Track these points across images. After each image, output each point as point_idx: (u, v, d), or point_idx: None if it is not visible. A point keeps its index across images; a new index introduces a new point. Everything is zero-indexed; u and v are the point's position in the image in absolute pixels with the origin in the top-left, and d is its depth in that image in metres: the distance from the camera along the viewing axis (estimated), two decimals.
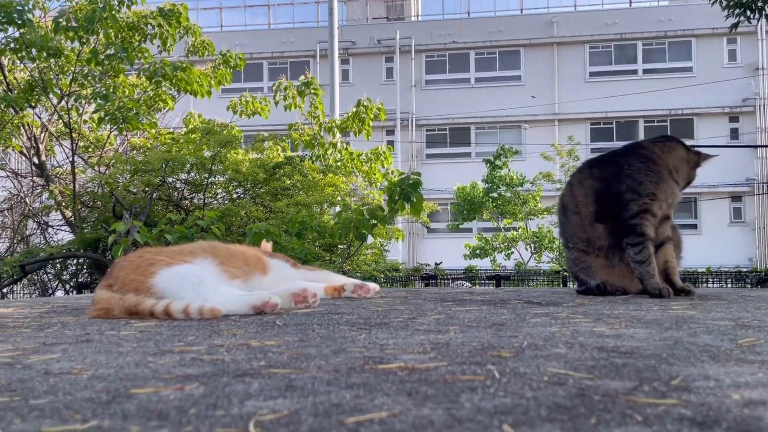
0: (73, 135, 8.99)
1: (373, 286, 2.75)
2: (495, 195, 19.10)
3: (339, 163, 10.61)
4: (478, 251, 18.50)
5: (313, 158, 10.14)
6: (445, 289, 2.81)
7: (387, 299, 2.64)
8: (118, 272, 2.03)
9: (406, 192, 6.29)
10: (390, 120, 24.99)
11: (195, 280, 1.95)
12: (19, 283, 8.18)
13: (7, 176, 9.41)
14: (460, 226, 20.52)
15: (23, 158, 9.73)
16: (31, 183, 9.52)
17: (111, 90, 8.33)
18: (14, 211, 9.14)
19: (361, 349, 1.37)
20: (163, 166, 7.75)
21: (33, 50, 8.13)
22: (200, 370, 1.19)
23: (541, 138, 22.88)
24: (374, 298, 2.68)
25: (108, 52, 8.25)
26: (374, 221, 6.57)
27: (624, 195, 2.48)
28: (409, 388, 1.02)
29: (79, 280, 7.48)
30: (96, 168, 8.97)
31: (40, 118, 9.20)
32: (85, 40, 8.22)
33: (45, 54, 8.12)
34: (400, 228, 10.75)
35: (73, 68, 8.62)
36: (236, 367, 1.20)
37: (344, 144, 11.07)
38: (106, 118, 8.30)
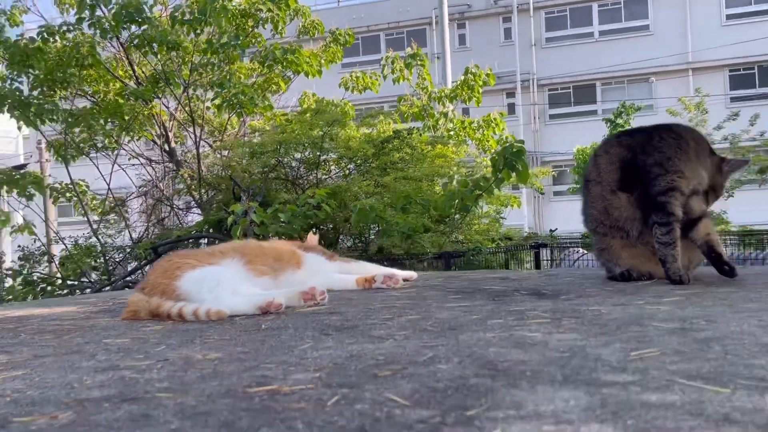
0: (198, 122, 9.55)
1: (405, 274, 2.75)
2: None
3: (452, 133, 10.59)
4: None
5: (424, 130, 10.18)
6: (482, 275, 2.60)
7: (406, 291, 2.59)
8: (150, 275, 2.18)
9: (509, 161, 6.20)
10: (510, 82, 24.44)
11: (212, 282, 2.06)
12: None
13: (141, 164, 10.15)
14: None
15: (156, 146, 10.43)
16: (164, 169, 10.22)
17: (226, 77, 8.75)
18: (149, 196, 9.88)
19: (270, 366, 1.39)
20: (278, 147, 8.07)
21: (155, 45, 8.69)
22: (101, 392, 1.24)
23: (672, 91, 21.48)
24: (401, 287, 2.66)
25: (222, 40, 8.64)
26: (479, 192, 6.54)
27: (652, 168, 2.33)
28: (232, 417, 1.03)
29: None
30: (218, 152, 9.49)
31: (168, 108, 9.81)
32: (200, 31, 8.66)
33: (165, 48, 8.64)
34: (516, 195, 10.57)
35: (191, 59, 9.12)
36: (131, 391, 1.24)
37: (455, 113, 11.01)
38: (224, 104, 8.76)
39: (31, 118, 8.53)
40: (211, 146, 10.07)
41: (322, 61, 10.36)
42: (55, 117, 8.91)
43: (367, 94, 11.59)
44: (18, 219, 10.14)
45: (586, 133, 20.72)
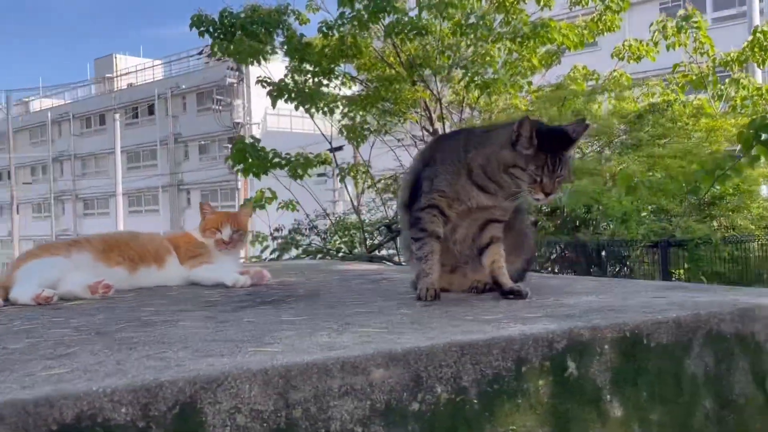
0: (457, 103, 9.82)
1: (263, 274, 2.53)
2: None
3: (748, 101, 9.30)
4: None
5: (711, 98, 9.09)
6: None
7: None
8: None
9: (759, 135, 5.32)
10: None
11: (34, 270, 2.22)
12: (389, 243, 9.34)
13: (410, 145, 10.76)
14: None
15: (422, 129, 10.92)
16: None
17: (471, 59, 8.85)
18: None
19: None
20: None
21: (412, 32, 9.14)
22: None
23: None
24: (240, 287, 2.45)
25: (470, 21, 8.74)
26: (722, 172, 5.72)
27: (423, 183, 2.04)
28: None
29: None
30: None
31: (430, 90, 10.22)
32: (446, 15, 8.83)
33: (417, 33, 9.03)
34: None
35: (443, 42, 9.40)
36: None
37: (749, 78, 9.59)
38: (472, 85, 8.88)
39: (317, 106, 9.53)
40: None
41: (584, 33, 9.80)
42: (333, 104, 9.86)
43: (644, 64, 10.67)
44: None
45: None
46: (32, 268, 2.23)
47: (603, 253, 7.25)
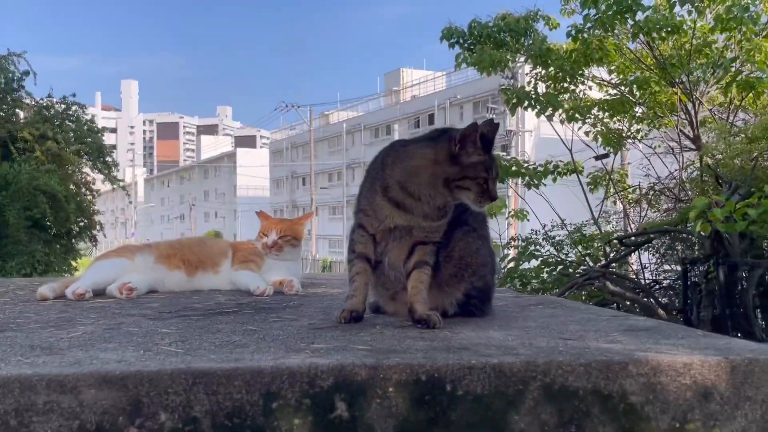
0: (720, 106, 8.77)
1: (293, 285, 2.58)
2: None
3: None
4: None
5: None
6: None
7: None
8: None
9: None
10: None
11: (96, 270, 2.47)
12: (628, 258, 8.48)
13: (656, 154, 9.81)
14: None
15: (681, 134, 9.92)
16: (681, 158, 9.66)
17: (735, 57, 7.85)
18: (659, 185, 9.50)
19: None
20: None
21: (664, 30, 8.33)
22: None
23: None
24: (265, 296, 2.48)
25: (729, 15, 7.73)
26: None
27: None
28: None
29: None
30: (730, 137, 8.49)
31: (689, 91, 9.25)
32: (701, 9, 7.92)
33: (665, 32, 8.22)
34: None
35: (705, 39, 8.43)
36: None
37: None
38: (733, 85, 7.88)
39: (568, 114, 9.15)
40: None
41: None
42: (581, 110, 9.41)
43: None
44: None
45: None
46: (96, 267, 2.53)
47: None
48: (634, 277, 8.78)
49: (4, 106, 12.50)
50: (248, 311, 2.00)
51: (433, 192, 1.74)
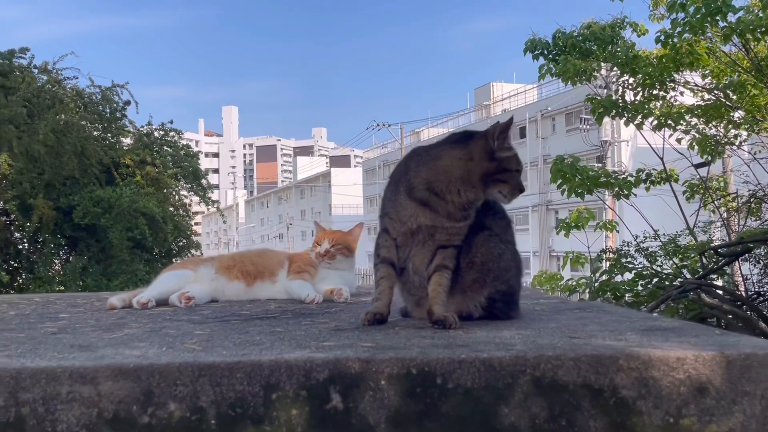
0: None
1: (342, 293, 2.62)
2: None
3: None
4: None
5: None
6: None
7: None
8: None
9: None
10: None
11: (163, 280, 2.63)
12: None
13: (756, 160, 9.35)
14: None
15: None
16: None
17: None
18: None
19: None
20: None
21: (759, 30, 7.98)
22: None
23: None
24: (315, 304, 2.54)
25: None
26: None
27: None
28: None
29: None
30: None
31: None
32: None
33: (760, 33, 7.86)
34: None
35: None
36: None
37: None
38: None
39: (660, 120, 8.89)
40: None
41: None
42: (673, 117, 9.11)
43: None
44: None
45: None
46: (161, 278, 2.68)
47: None
48: (734, 288, 8.33)
49: (109, 135, 13.41)
50: (287, 316, 2.06)
51: (465, 188, 1.80)
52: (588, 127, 30.20)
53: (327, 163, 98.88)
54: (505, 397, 1.26)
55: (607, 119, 9.53)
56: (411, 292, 1.94)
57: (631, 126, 9.40)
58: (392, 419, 1.25)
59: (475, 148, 1.82)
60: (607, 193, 9.81)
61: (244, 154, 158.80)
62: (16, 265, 13.21)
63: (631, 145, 28.81)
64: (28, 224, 11.97)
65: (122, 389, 1.23)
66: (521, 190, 1.85)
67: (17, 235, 13.28)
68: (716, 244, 7.38)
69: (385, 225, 1.91)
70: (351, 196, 59.30)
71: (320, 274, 2.69)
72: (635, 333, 1.57)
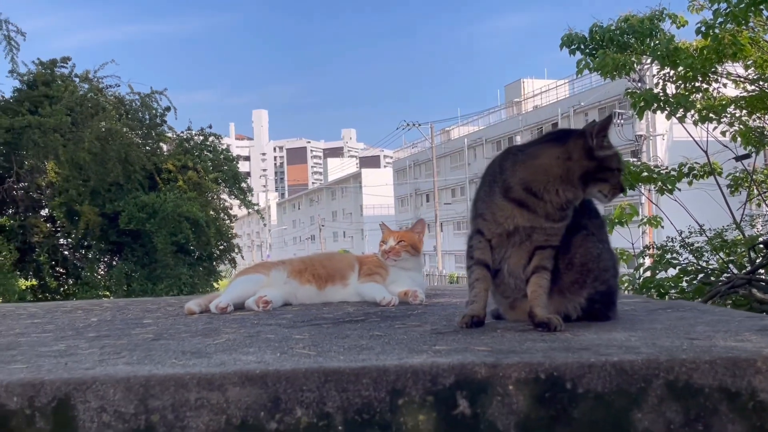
0: None
1: (417, 294, 2.62)
2: None
3: None
4: None
5: None
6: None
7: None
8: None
9: None
10: None
11: (236, 284, 2.67)
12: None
13: None
14: None
15: None
16: None
17: None
18: None
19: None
20: None
21: None
22: None
23: None
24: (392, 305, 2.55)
25: None
26: None
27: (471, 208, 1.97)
28: None
29: None
30: None
31: None
32: None
33: None
34: None
35: None
36: None
37: None
38: None
39: (701, 114, 8.73)
40: None
41: None
42: (716, 109, 8.95)
43: None
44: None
45: None
46: (236, 283, 2.72)
47: None
48: None
49: (150, 141, 13.61)
50: (374, 319, 2.09)
51: (564, 188, 1.77)
52: (622, 121, 29.77)
53: (357, 164, 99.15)
54: (638, 402, 1.24)
55: (647, 113, 9.38)
56: (505, 294, 1.91)
57: (665, 120, 9.24)
58: (522, 425, 1.24)
59: (573, 147, 1.78)
60: (644, 188, 9.66)
61: (275, 157, 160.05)
62: (62, 271, 13.48)
63: (666, 138, 28.36)
64: (74, 231, 12.21)
65: (249, 395, 1.24)
66: (623, 189, 1.82)
67: (62, 241, 13.55)
68: (765, 238, 7.19)
69: (479, 226, 1.86)
70: (382, 197, 59.39)
71: (390, 276, 2.71)
72: (753, 333, 1.53)
